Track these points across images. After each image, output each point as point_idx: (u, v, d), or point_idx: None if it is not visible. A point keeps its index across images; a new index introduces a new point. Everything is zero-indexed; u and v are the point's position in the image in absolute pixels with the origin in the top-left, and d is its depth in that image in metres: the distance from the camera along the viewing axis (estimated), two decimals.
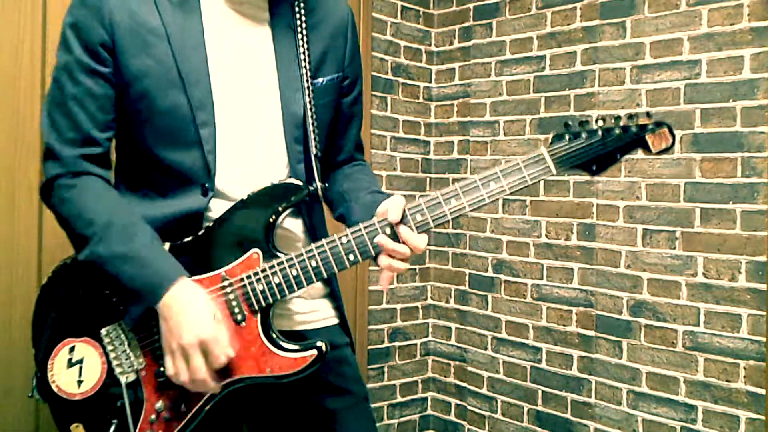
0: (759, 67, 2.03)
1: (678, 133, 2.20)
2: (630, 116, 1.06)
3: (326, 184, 1.22)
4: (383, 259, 1.07)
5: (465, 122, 2.83)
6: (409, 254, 1.06)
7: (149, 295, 1.03)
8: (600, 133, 1.05)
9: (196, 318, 1.01)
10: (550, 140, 1.07)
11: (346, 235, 1.07)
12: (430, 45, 2.93)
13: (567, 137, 1.06)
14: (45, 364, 1.10)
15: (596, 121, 1.06)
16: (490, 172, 1.07)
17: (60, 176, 1.09)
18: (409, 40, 2.85)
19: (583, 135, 1.05)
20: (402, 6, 2.82)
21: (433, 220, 1.07)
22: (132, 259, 1.03)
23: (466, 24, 2.83)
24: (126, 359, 1.08)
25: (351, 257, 1.07)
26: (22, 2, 1.80)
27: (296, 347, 1.08)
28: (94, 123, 1.09)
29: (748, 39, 2.06)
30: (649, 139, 1.05)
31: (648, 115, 1.06)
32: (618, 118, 1.06)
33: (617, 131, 1.04)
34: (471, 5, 2.81)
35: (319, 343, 1.08)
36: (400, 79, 2.82)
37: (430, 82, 2.94)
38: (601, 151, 1.05)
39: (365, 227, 1.07)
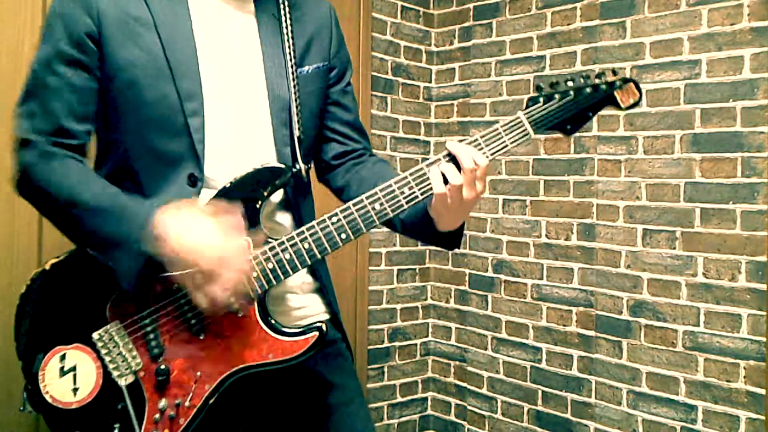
0: (759, 67, 2.03)
1: (678, 133, 2.20)
2: (598, 75, 1.12)
3: (309, 165, 1.22)
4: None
5: (465, 122, 2.83)
6: (473, 168, 1.04)
7: (134, 240, 1.00)
8: (572, 93, 1.10)
9: (200, 239, 0.99)
10: (525, 104, 1.11)
11: (336, 215, 1.07)
12: (430, 45, 2.94)
13: (541, 99, 1.10)
14: (35, 375, 1.07)
15: (566, 81, 1.11)
16: (470, 139, 1.08)
17: (32, 162, 1.07)
18: (409, 40, 2.85)
19: (556, 96, 1.10)
20: (402, 6, 2.82)
21: (421, 193, 1.08)
22: (107, 212, 1.02)
23: (466, 24, 2.83)
24: (122, 361, 1.06)
25: (343, 236, 1.07)
26: (22, 2, 1.80)
27: (296, 331, 1.08)
28: (72, 115, 1.07)
29: (748, 39, 2.06)
30: (617, 95, 1.11)
31: (614, 72, 1.13)
32: (587, 77, 1.12)
33: (588, 90, 1.10)
34: (471, 5, 2.81)
35: (319, 325, 1.08)
36: (400, 79, 2.82)
37: (430, 82, 2.94)
38: (574, 110, 1.10)
39: (354, 204, 1.07)
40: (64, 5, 1.08)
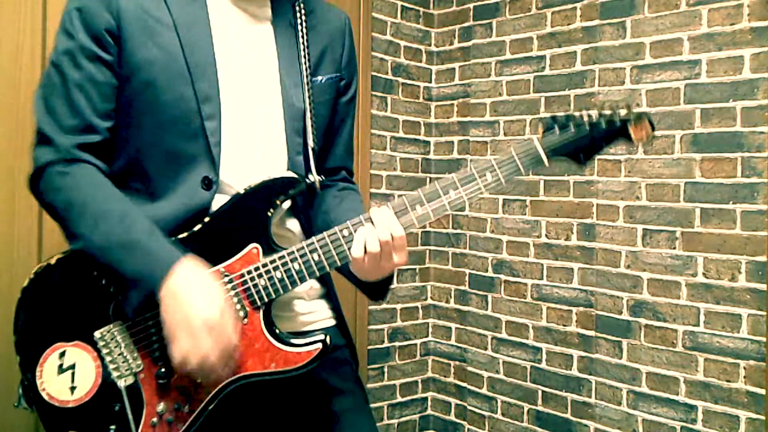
0: (759, 67, 2.03)
1: (678, 133, 2.20)
2: (613, 108, 1.13)
3: (323, 177, 1.22)
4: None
5: (465, 122, 2.83)
6: (388, 240, 1.04)
7: (149, 281, 1.00)
8: (588, 127, 1.11)
9: (202, 301, 0.99)
10: (541, 133, 1.12)
11: (347, 227, 1.06)
12: (430, 45, 2.94)
13: (556, 129, 1.11)
14: (33, 371, 1.06)
15: (581, 115, 1.12)
16: (485, 163, 1.09)
17: (52, 163, 1.05)
18: (409, 40, 2.85)
19: (572, 128, 1.11)
20: (402, 6, 2.82)
21: (434, 213, 1.07)
22: (130, 247, 1.01)
23: (466, 24, 2.83)
24: (123, 362, 1.05)
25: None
26: (22, 2, 1.80)
27: (300, 342, 1.07)
28: (95, 110, 1.06)
29: (748, 39, 2.06)
30: (631, 130, 1.12)
31: (628, 107, 1.13)
32: (602, 112, 1.12)
33: (603, 125, 1.11)
34: (471, 5, 2.81)
35: (322, 336, 1.07)
36: (400, 79, 2.82)
37: (430, 82, 2.94)
38: (588, 143, 1.11)
39: (365, 219, 1.06)
40: (84, 0, 1.06)
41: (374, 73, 2.71)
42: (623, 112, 1.12)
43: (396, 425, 2.82)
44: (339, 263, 1.07)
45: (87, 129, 1.07)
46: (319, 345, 1.06)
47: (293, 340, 1.07)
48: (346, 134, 1.31)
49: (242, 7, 1.16)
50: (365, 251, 1.04)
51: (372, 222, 1.05)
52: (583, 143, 1.11)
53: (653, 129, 1.12)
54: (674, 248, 2.20)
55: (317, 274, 1.07)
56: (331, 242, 1.06)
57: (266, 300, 1.06)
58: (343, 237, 1.06)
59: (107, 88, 1.07)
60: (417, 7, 2.87)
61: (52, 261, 1.09)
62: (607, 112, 1.12)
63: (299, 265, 1.06)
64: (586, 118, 1.11)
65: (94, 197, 1.05)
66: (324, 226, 1.11)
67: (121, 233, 1.01)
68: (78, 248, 1.05)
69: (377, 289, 1.15)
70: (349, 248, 1.06)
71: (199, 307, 0.98)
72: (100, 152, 1.10)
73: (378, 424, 2.73)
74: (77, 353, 1.06)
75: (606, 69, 2.37)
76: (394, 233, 1.04)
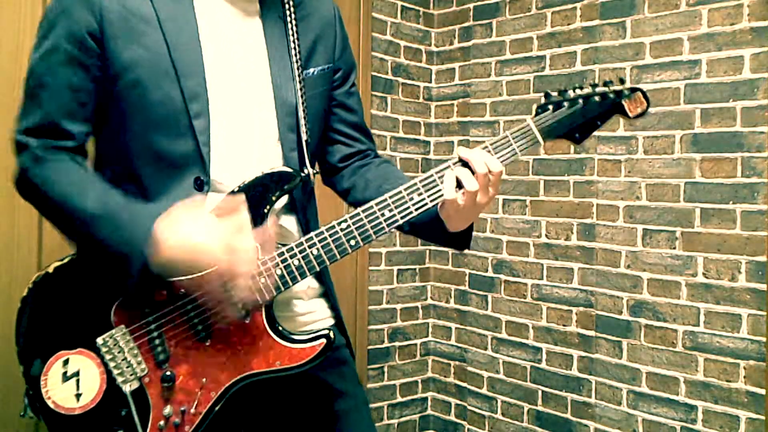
0: (759, 67, 2.03)
1: (678, 133, 2.20)
2: (606, 83, 1.12)
3: (317, 170, 1.21)
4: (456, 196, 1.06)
5: (465, 122, 2.83)
6: (486, 173, 1.04)
7: (141, 247, 0.98)
8: (580, 101, 1.10)
9: (206, 243, 0.98)
10: (534, 112, 1.11)
11: (345, 221, 1.06)
12: (430, 45, 2.94)
13: (550, 107, 1.10)
14: (37, 380, 1.05)
15: (574, 89, 1.11)
16: (480, 147, 1.08)
17: (28, 168, 1.05)
18: (409, 40, 2.85)
19: (565, 104, 1.10)
20: (402, 6, 2.82)
21: (431, 200, 1.07)
22: (110, 218, 1.00)
23: (466, 24, 2.83)
24: (127, 367, 1.04)
25: (352, 242, 1.06)
26: (22, 2, 1.80)
27: (304, 338, 1.07)
28: (68, 115, 1.05)
29: (748, 39, 2.06)
30: (625, 104, 1.11)
31: (621, 81, 1.13)
32: (595, 85, 1.11)
33: (596, 98, 1.10)
34: (471, 5, 2.81)
35: (326, 331, 1.07)
36: (400, 79, 2.82)
37: (430, 82, 2.94)
38: (582, 119, 1.10)
39: (363, 211, 1.06)
40: (66, 2, 1.05)
41: (374, 73, 2.71)
42: (617, 86, 1.11)
43: (396, 425, 2.82)
44: (339, 257, 1.06)
45: (59, 134, 1.05)
46: (323, 340, 1.06)
47: (297, 337, 1.07)
48: (358, 121, 1.31)
49: (230, 2, 1.14)
50: (459, 189, 1.05)
51: (461, 163, 1.06)
52: (578, 121, 1.10)
53: (648, 102, 1.11)
54: (674, 248, 2.20)
55: (317, 269, 1.06)
56: (330, 236, 1.05)
57: (267, 298, 1.06)
58: (342, 230, 1.05)
59: (83, 93, 1.06)
60: (417, 7, 2.88)
61: (50, 269, 1.08)
62: (600, 88, 1.10)
63: (299, 260, 1.05)
64: (579, 92, 1.10)
65: (71, 187, 1.03)
66: (377, 195, 1.09)
67: (98, 209, 1.01)
68: (70, 242, 1.05)
69: (461, 237, 1.15)
70: (349, 242, 1.06)
71: (207, 255, 0.97)
72: (77, 154, 1.09)
73: (378, 424, 2.74)
74: (81, 360, 1.05)
75: (606, 69, 2.37)
76: (492, 167, 1.05)
